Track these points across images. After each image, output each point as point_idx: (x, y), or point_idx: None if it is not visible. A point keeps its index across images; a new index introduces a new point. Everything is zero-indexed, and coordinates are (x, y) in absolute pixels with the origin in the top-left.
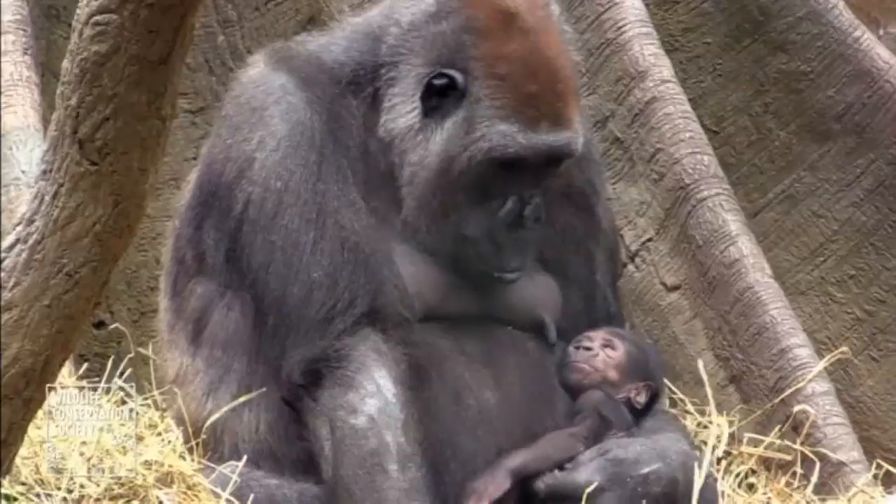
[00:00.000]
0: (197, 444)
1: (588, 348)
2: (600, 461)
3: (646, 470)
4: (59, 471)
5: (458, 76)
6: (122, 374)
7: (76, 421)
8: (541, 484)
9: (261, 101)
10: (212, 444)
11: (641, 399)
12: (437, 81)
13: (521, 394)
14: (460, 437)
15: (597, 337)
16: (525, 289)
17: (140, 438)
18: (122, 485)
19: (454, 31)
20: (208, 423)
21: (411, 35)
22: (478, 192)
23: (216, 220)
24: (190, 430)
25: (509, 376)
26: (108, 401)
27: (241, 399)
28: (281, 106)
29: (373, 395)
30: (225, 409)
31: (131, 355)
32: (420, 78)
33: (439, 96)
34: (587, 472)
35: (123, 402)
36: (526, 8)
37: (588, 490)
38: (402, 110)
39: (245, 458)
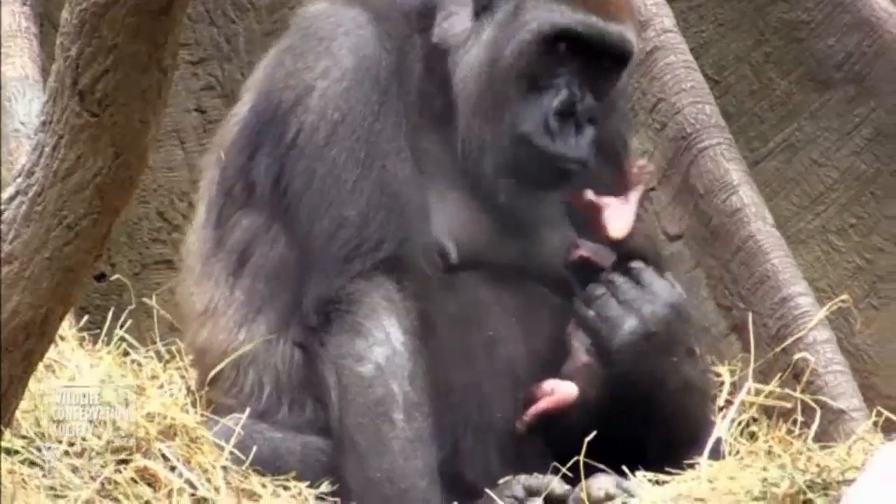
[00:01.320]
0: (213, 381)
1: None
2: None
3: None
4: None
5: None
6: (122, 325)
7: (76, 373)
8: None
9: (329, 31)
10: (231, 380)
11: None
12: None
13: (547, 350)
14: (488, 385)
15: None
16: (560, 244)
17: (142, 390)
18: (124, 437)
19: None
20: (236, 353)
21: None
22: (528, 83)
23: (269, 148)
24: (205, 369)
25: (540, 331)
26: (109, 353)
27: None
28: (350, 38)
29: (381, 343)
30: (258, 340)
31: (132, 307)
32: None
33: (485, 8)
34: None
35: (126, 354)
36: None
37: None
38: (455, 18)
39: (248, 411)
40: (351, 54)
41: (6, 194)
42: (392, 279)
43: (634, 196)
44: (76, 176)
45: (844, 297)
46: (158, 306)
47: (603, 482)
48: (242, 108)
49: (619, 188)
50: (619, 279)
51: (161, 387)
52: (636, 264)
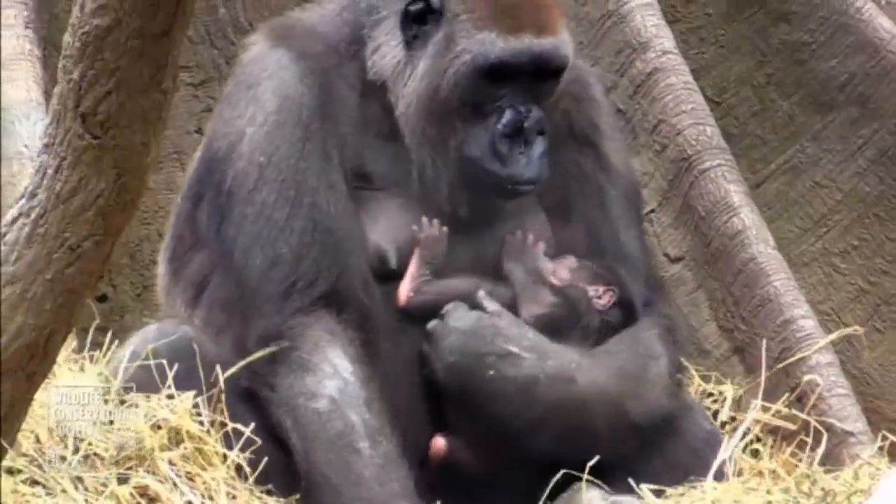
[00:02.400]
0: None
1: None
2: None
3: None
4: (62, 438)
5: (435, 3)
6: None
7: (74, 388)
8: None
9: (255, 77)
10: None
11: (603, 301)
12: (412, 7)
13: None
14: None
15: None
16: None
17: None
18: (129, 446)
19: None
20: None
21: None
22: (471, 109)
23: (211, 195)
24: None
25: None
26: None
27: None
28: (273, 81)
29: (330, 376)
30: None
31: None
32: (397, 11)
33: (418, 24)
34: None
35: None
36: None
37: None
38: (385, 49)
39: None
40: (274, 97)
41: (9, 216)
42: (332, 312)
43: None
44: (78, 198)
45: (856, 327)
46: None
47: (592, 496)
48: (195, 155)
49: None
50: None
51: (170, 396)
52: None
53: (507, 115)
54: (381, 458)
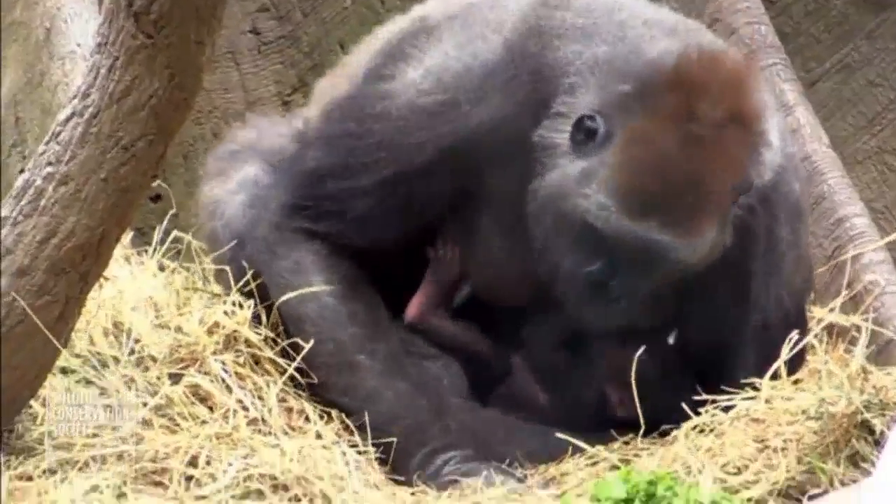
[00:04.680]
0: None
1: None
2: None
3: None
4: (116, 336)
5: (602, 129)
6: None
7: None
8: None
9: (476, 22)
10: None
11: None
12: (588, 122)
13: None
14: None
15: None
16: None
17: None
18: (184, 347)
19: (631, 85)
20: None
21: (606, 61)
22: (575, 240)
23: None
24: None
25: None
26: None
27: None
28: (492, 42)
29: (310, 298)
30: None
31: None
32: (586, 105)
33: (586, 136)
34: None
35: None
36: (720, 114)
37: None
38: (560, 126)
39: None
40: (479, 61)
41: (62, 115)
42: (327, 244)
43: None
44: (132, 97)
45: None
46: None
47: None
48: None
49: None
50: None
51: (224, 302)
52: None
53: (598, 268)
54: (381, 365)
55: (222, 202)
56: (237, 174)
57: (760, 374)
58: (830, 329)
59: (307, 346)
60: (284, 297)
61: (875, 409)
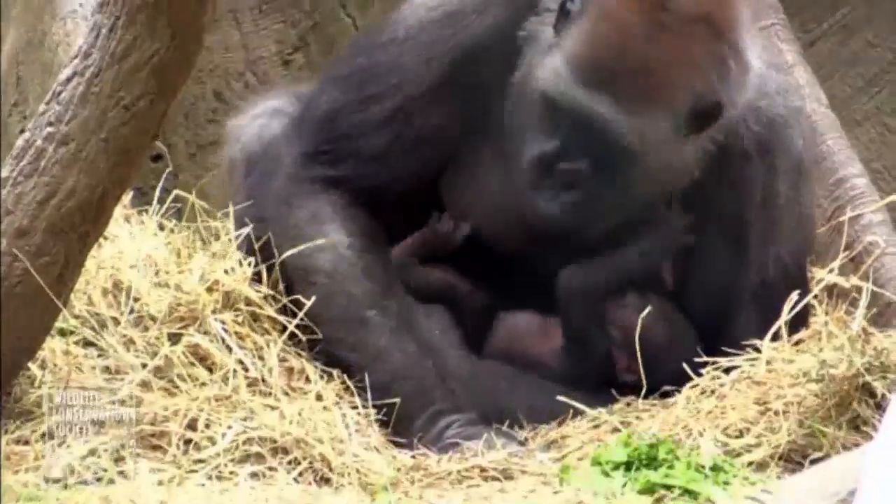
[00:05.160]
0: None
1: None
2: None
3: None
4: (116, 296)
5: (577, 5)
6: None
7: (128, 247)
8: None
9: None
10: None
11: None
12: (569, 5)
13: None
14: None
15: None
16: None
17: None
18: (183, 306)
19: None
20: None
21: None
22: (533, 120)
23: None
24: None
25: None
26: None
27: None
28: None
29: (322, 249)
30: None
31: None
32: None
33: (567, 16)
34: None
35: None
36: (691, 10)
37: None
38: (546, 19)
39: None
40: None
41: (63, 75)
42: (342, 191)
43: None
44: (133, 57)
45: None
46: (210, 188)
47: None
48: None
49: None
50: None
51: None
52: None
53: (548, 147)
54: (393, 321)
55: (241, 126)
56: (260, 104)
57: (761, 335)
58: (830, 290)
59: (311, 302)
60: (299, 248)
61: (876, 372)
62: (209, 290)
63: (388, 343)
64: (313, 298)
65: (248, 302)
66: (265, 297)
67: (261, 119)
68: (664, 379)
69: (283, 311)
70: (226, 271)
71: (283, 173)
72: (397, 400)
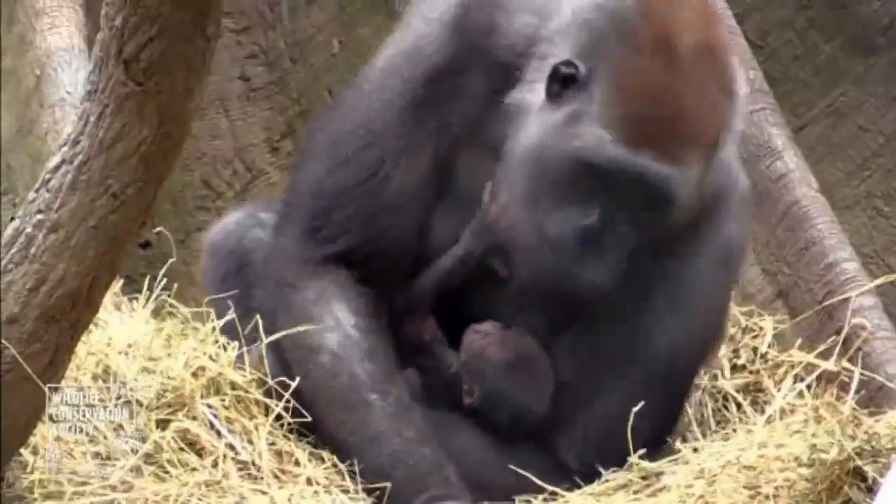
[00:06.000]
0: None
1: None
2: None
3: None
4: (105, 381)
5: (583, 69)
6: (162, 288)
7: (117, 333)
8: None
9: (418, 7)
10: None
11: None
12: (563, 69)
13: None
14: None
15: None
16: None
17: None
18: (170, 392)
19: (604, 26)
20: None
21: (573, 18)
22: (566, 191)
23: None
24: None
25: None
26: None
27: None
28: (425, 19)
29: (331, 329)
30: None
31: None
32: (556, 57)
33: (563, 84)
34: None
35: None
36: (694, 43)
37: None
38: (533, 87)
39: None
40: (415, 35)
41: (52, 163)
42: (345, 267)
43: None
44: (121, 144)
45: None
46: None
47: None
48: None
49: None
50: None
51: (215, 342)
52: None
53: (593, 217)
54: (392, 407)
55: (212, 230)
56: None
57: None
58: (820, 374)
59: (307, 380)
60: (305, 327)
61: (867, 456)
62: (195, 375)
63: (387, 427)
64: (297, 379)
65: (234, 386)
66: (251, 381)
67: (232, 219)
68: (505, 418)
69: (269, 394)
70: (211, 357)
71: (281, 260)
72: (388, 484)
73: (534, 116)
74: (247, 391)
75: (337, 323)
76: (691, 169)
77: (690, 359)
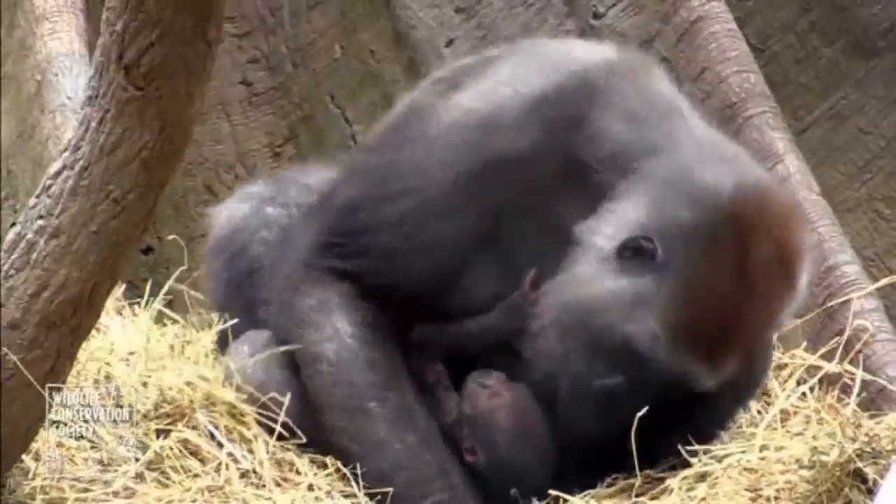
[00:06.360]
0: None
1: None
2: None
3: None
4: (107, 388)
5: (661, 254)
6: (165, 294)
7: (118, 339)
8: None
9: (513, 66)
10: None
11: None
12: (644, 244)
13: None
14: None
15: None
16: None
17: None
18: (168, 403)
19: (691, 217)
20: None
21: (664, 172)
22: (599, 351)
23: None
24: None
25: None
26: (148, 320)
27: None
28: (515, 89)
29: (329, 338)
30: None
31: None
32: (636, 219)
33: (636, 252)
34: None
35: (163, 324)
36: (770, 255)
37: None
38: (605, 228)
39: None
40: (499, 106)
41: (53, 169)
42: (354, 284)
43: None
44: (122, 150)
45: None
46: (202, 281)
47: None
48: None
49: None
50: None
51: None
52: None
53: (613, 384)
54: (392, 414)
55: (218, 220)
56: (240, 191)
57: None
58: (822, 377)
59: (285, 400)
60: (306, 335)
61: (867, 458)
62: (189, 384)
63: (388, 434)
64: (319, 385)
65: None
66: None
67: (238, 203)
68: (506, 472)
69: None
70: (201, 377)
71: (295, 259)
72: (391, 489)
73: (596, 261)
74: (233, 407)
75: (335, 332)
76: (726, 371)
77: None
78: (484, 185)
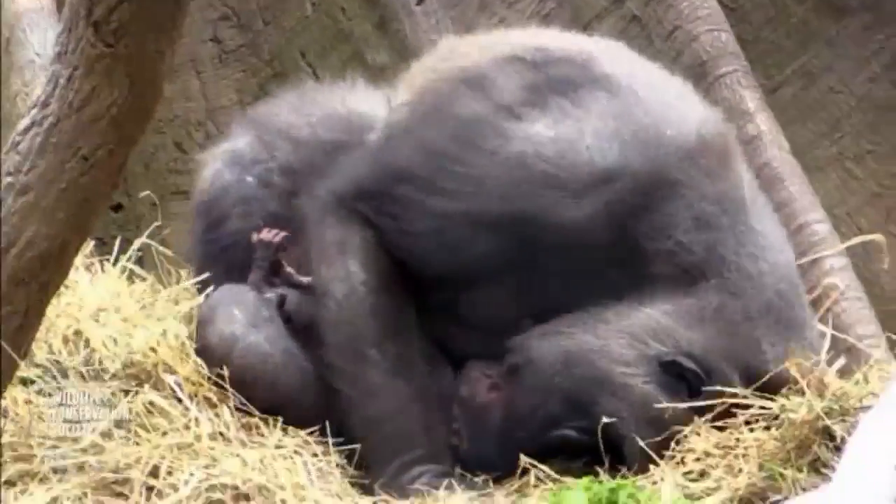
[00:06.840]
0: None
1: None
2: None
3: None
4: (76, 344)
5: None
6: (134, 252)
7: (87, 295)
8: None
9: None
10: None
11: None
12: (687, 363)
13: None
14: None
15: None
16: None
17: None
18: (134, 365)
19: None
20: None
21: (715, 315)
22: (571, 406)
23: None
24: None
25: None
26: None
27: None
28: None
29: (341, 279)
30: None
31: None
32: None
33: (675, 373)
34: None
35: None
36: None
37: None
38: (648, 323)
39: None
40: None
41: (21, 125)
42: (374, 232)
43: None
44: (91, 107)
45: (878, 235)
46: (172, 238)
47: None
48: None
49: None
50: None
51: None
52: None
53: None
54: (389, 362)
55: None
56: (225, 143)
57: None
58: None
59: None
60: (321, 268)
61: (836, 415)
62: (154, 350)
63: (382, 382)
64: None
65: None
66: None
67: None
68: (484, 466)
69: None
70: (158, 343)
71: (334, 188)
72: (358, 446)
73: (629, 346)
74: (188, 378)
75: (347, 275)
76: None
77: None
78: (530, 229)
